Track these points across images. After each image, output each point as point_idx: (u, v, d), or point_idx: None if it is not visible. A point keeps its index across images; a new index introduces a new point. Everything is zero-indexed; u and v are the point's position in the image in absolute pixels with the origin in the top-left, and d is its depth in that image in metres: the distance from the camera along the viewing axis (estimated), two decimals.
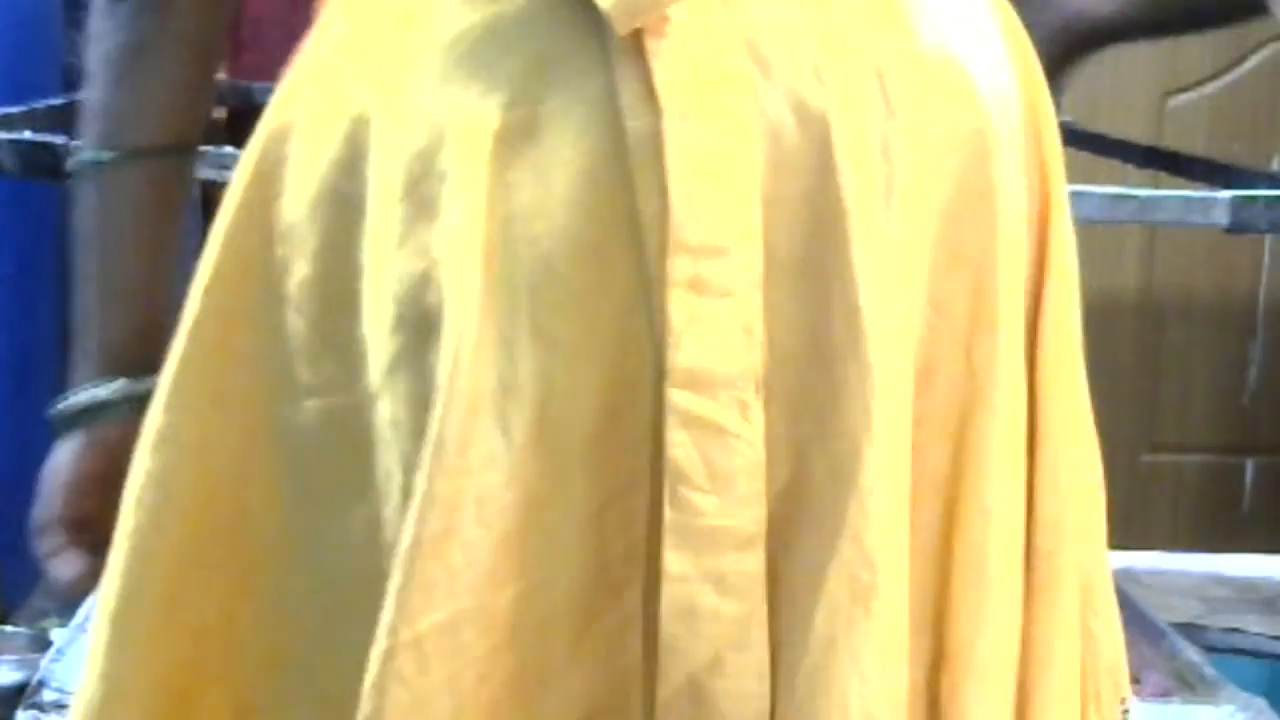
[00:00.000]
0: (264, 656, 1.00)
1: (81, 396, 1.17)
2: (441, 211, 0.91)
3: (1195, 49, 3.75)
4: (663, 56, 0.91)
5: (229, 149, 2.60)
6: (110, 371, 1.16)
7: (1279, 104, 3.78)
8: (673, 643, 0.91)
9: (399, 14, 0.97)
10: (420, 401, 0.91)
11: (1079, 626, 1.07)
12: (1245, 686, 2.12)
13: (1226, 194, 2.16)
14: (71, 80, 3.13)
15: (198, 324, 0.99)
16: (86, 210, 1.16)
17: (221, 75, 3.15)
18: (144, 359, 1.11)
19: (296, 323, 0.97)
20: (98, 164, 1.14)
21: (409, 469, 0.91)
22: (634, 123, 0.91)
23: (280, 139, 0.99)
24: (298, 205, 0.97)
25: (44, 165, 2.11)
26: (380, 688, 0.89)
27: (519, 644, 0.92)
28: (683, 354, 0.91)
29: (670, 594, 0.91)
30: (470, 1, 0.95)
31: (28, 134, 2.14)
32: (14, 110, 2.29)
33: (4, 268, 2.84)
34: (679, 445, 0.91)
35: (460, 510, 0.90)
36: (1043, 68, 1.06)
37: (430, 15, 0.96)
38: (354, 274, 0.94)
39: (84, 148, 1.16)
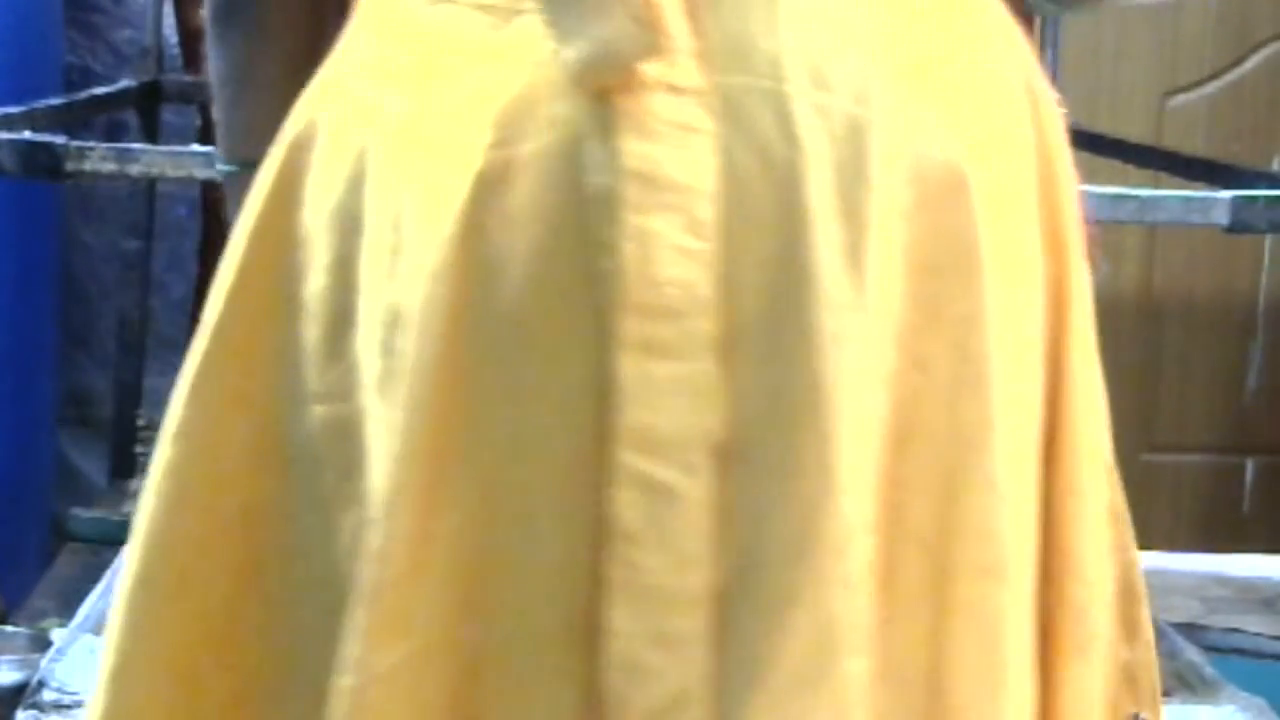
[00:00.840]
0: (264, 648, 1.02)
1: None
2: (410, 251, 0.93)
3: (1195, 49, 3.75)
4: (628, 114, 0.92)
5: None
6: None
7: (1279, 104, 3.78)
8: (617, 698, 0.91)
9: (418, 35, 0.98)
10: (395, 430, 0.93)
11: (1114, 680, 1.07)
12: (1245, 686, 2.12)
13: (1226, 194, 2.16)
14: (72, 80, 3.14)
15: (220, 323, 1.02)
16: (229, 214, 1.22)
17: None
18: None
19: (310, 330, 0.99)
20: (226, 174, 1.22)
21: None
22: (595, 178, 0.92)
23: (303, 147, 1.01)
24: (316, 216, 0.99)
25: (44, 165, 2.11)
26: None
27: (484, 683, 0.94)
28: (631, 415, 0.91)
29: (613, 650, 0.91)
30: (476, 30, 0.96)
31: (28, 134, 2.14)
32: (14, 110, 2.29)
33: (4, 268, 2.84)
34: (625, 504, 0.91)
35: (425, 547, 0.92)
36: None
37: (442, 41, 0.97)
38: (355, 290, 0.97)
39: (218, 159, 1.24)
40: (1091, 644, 1.04)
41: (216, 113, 1.21)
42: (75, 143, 2.12)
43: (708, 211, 0.92)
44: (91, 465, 3.24)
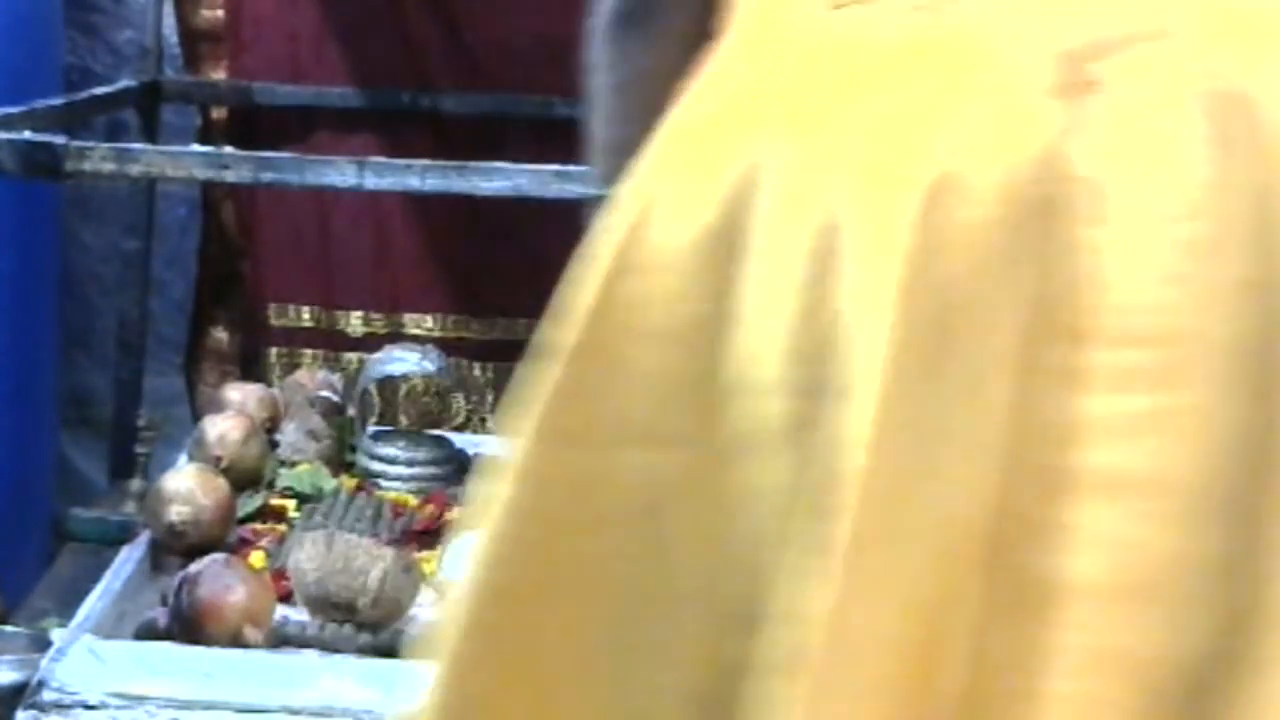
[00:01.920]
0: (589, 711, 0.96)
1: None
2: (851, 274, 0.85)
3: None
4: (1093, 115, 0.83)
5: (229, 149, 2.60)
6: None
7: None
8: None
9: (823, 49, 0.90)
10: (819, 470, 0.84)
11: None
12: None
13: None
14: (72, 80, 3.14)
15: (575, 352, 0.95)
16: None
17: (221, 75, 3.15)
18: None
19: (651, 361, 0.92)
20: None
21: (798, 539, 0.84)
22: (1051, 187, 0.83)
23: (650, 178, 0.95)
24: (670, 240, 0.92)
25: (44, 165, 2.11)
26: None
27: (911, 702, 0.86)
28: (1094, 453, 0.81)
29: (1055, 717, 0.82)
30: (898, 33, 0.87)
31: (28, 134, 2.14)
32: (14, 110, 2.29)
33: (5, 267, 2.84)
34: (1080, 555, 0.82)
35: (864, 592, 0.84)
36: None
37: (828, 49, 0.89)
38: (729, 321, 0.89)
39: (597, 182, 1.09)
40: None
41: (600, 127, 1.09)
42: (75, 143, 2.12)
43: (1179, 228, 0.82)
44: (91, 465, 3.23)
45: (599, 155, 1.08)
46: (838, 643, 0.82)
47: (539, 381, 0.95)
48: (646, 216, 0.93)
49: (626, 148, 1.04)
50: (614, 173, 1.05)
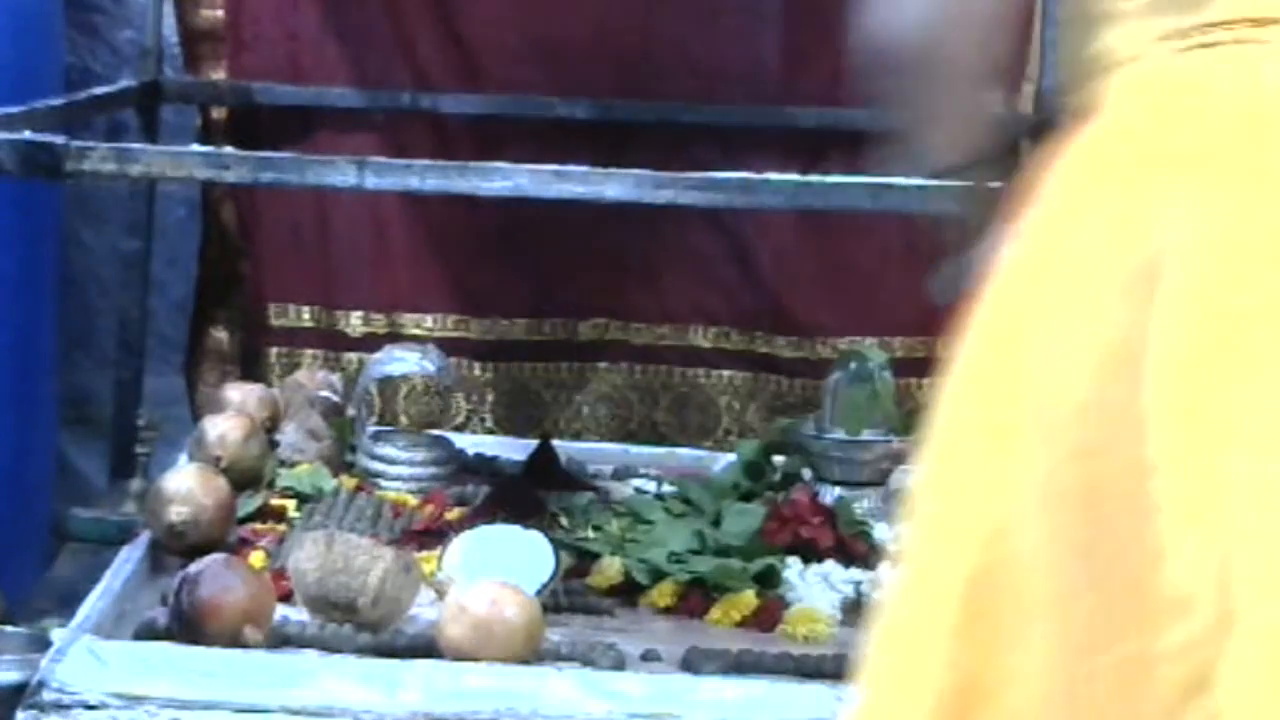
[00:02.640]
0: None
1: None
2: None
3: None
4: None
5: (229, 149, 2.60)
6: None
7: None
8: None
9: (1235, 121, 0.96)
10: None
11: None
12: None
13: None
14: (72, 80, 3.14)
15: (969, 364, 1.00)
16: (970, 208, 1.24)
17: (221, 75, 3.15)
18: None
19: (1076, 386, 0.95)
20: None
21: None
22: None
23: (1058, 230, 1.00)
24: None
25: (44, 165, 2.11)
26: None
27: None
28: None
29: None
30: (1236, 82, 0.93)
31: (28, 134, 2.14)
32: (14, 110, 2.29)
33: (5, 267, 2.84)
34: None
35: None
36: None
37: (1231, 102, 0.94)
38: (1140, 351, 0.93)
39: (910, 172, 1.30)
40: None
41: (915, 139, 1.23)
42: (75, 143, 2.12)
43: None
44: (91, 465, 3.23)
45: (904, 145, 1.21)
46: None
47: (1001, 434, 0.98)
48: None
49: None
50: (914, 163, 1.25)
